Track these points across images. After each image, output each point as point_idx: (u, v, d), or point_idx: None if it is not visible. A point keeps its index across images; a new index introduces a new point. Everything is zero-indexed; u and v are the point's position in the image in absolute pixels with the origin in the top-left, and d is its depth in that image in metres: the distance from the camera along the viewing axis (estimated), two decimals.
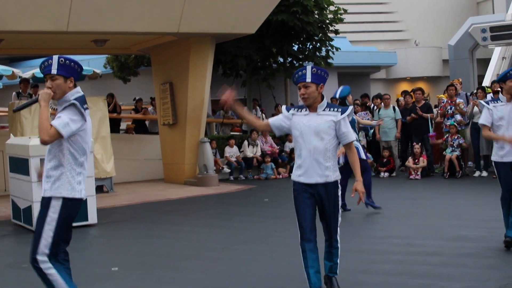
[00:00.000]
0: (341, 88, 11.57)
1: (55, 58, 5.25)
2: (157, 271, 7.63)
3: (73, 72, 5.30)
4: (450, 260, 7.56)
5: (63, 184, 5.23)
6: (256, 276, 7.20)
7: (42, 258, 5.19)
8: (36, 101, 5.28)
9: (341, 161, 11.49)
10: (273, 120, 6.19)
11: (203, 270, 7.59)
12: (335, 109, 5.96)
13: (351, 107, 6.16)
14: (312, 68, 5.91)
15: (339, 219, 6.13)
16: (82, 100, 5.27)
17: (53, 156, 5.29)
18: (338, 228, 6.15)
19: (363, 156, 11.51)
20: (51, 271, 5.20)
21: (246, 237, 9.54)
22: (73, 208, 5.31)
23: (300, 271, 7.31)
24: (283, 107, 6.21)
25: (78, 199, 5.30)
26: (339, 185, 6.06)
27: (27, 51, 19.49)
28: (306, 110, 5.97)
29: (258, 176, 17.86)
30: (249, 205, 12.73)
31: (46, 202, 5.25)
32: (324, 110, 5.93)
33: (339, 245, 6.26)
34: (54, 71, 5.23)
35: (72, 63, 5.29)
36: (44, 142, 5.15)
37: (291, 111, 6.06)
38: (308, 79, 5.85)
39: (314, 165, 5.87)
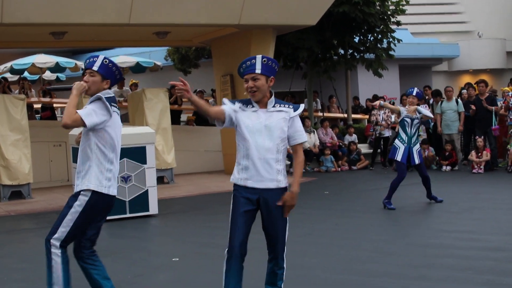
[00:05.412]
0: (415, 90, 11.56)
1: (101, 57, 5.43)
2: (217, 261, 7.62)
3: (111, 75, 5.45)
4: None
5: (90, 178, 5.30)
6: (318, 268, 7.16)
7: (55, 242, 5.27)
8: (70, 88, 5.50)
9: (417, 160, 11.21)
10: (227, 108, 5.29)
11: (263, 261, 7.56)
12: (286, 106, 5.29)
13: (302, 105, 5.44)
14: (262, 58, 5.20)
15: (287, 233, 5.46)
16: (111, 99, 5.37)
17: (81, 150, 5.41)
18: (285, 246, 5.49)
19: (417, 161, 11.20)
20: (56, 259, 5.28)
21: (306, 229, 9.48)
22: (99, 203, 5.33)
23: (365, 263, 7.26)
24: (225, 100, 5.39)
25: (105, 194, 5.34)
26: None
27: (90, 44, 19.73)
28: (253, 106, 5.25)
29: (318, 168, 17.79)
30: (310, 198, 12.63)
31: (75, 196, 5.33)
32: (274, 106, 5.24)
33: (285, 265, 5.60)
34: (95, 68, 5.39)
35: (114, 67, 5.45)
36: (65, 125, 5.27)
37: (237, 104, 5.29)
38: (258, 71, 5.15)
39: (265, 168, 5.19)
